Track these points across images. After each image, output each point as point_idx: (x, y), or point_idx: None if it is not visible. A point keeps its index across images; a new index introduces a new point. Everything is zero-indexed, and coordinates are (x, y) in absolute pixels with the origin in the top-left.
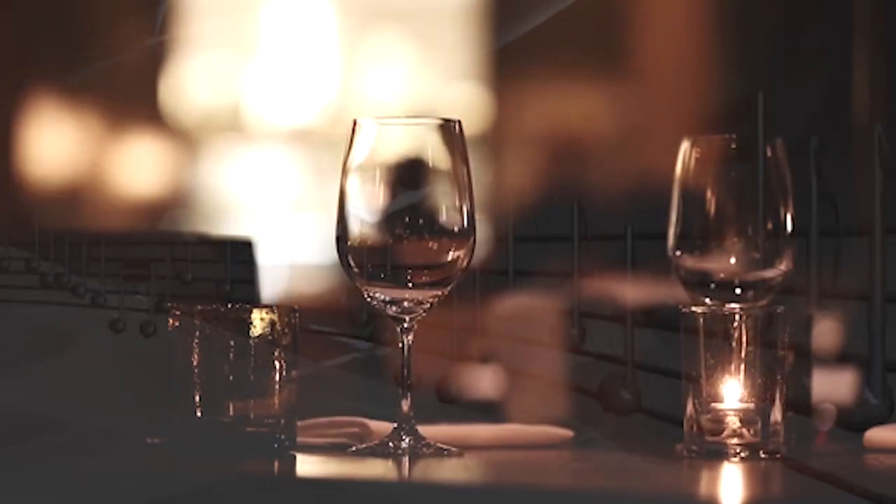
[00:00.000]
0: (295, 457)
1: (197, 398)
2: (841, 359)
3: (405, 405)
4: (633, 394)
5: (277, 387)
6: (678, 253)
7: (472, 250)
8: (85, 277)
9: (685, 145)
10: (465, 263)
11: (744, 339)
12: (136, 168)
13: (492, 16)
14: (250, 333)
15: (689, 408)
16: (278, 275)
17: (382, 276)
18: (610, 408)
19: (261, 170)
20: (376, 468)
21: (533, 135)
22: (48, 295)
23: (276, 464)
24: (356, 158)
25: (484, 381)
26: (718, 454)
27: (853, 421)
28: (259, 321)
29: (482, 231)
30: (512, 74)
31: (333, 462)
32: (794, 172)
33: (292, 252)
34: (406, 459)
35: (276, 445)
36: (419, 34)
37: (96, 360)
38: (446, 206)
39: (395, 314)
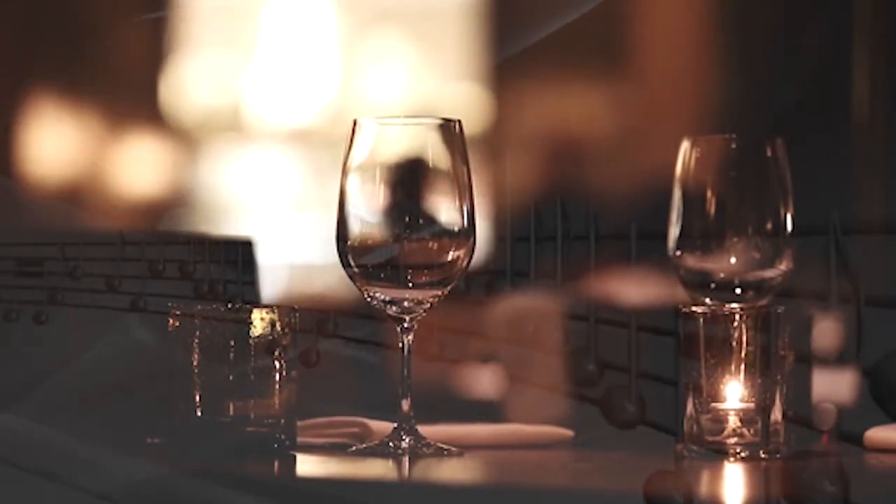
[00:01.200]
0: (295, 457)
1: (197, 398)
2: (841, 359)
3: (405, 405)
4: (638, 405)
5: (277, 387)
6: (678, 253)
7: (472, 250)
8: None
9: (685, 145)
10: (465, 263)
11: (744, 339)
12: (136, 168)
13: (492, 17)
14: (250, 333)
15: (689, 408)
16: (278, 275)
17: (382, 276)
18: (613, 420)
19: (261, 170)
20: (376, 468)
21: (533, 135)
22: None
23: (276, 464)
24: (356, 158)
25: (484, 381)
26: (718, 454)
27: None
28: (259, 321)
29: (482, 231)
30: (512, 74)
31: (333, 462)
32: (794, 172)
33: (292, 252)
34: (406, 459)
35: (276, 445)
36: (419, 34)
37: None
38: (446, 206)
39: (395, 314)
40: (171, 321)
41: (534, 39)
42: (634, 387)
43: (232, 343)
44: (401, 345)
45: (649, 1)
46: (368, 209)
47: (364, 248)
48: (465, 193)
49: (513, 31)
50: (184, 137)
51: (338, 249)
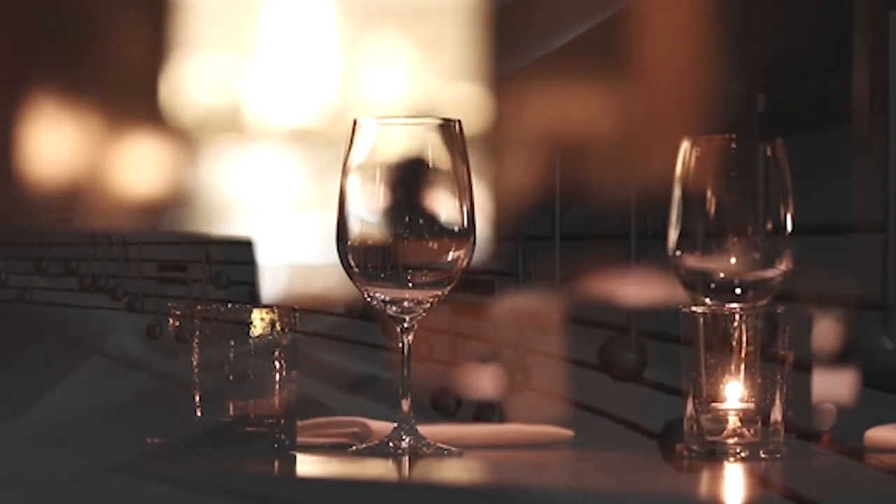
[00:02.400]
0: (295, 457)
1: (197, 398)
2: (841, 359)
3: (405, 405)
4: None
5: (277, 387)
6: (678, 253)
7: (472, 250)
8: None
9: (685, 145)
10: (464, 263)
11: (744, 339)
12: (136, 168)
13: (492, 16)
14: (250, 333)
15: (689, 408)
16: (278, 275)
17: (382, 276)
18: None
19: (261, 170)
20: (376, 468)
21: (533, 135)
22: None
23: (276, 464)
24: (356, 158)
25: (484, 382)
26: (718, 454)
27: (870, 369)
28: (259, 321)
29: (481, 231)
30: (512, 74)
31: (333, 462)
32: (794, 172)
33: (292, 252)
34: (406, 459)
35: (276, 445)
36: (419, 34)
37: None
38: (446, 207)
39: (395, 314)
40: (170, 321)
41: (537, 49)
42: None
43: (232, 343)
44: (400, 345)
45: (650, 1)
46: (368, 209)
47: (364, 247)
48: (465, 193)
49: (515, 36)
50: (184, 137)
51: (338, 249)
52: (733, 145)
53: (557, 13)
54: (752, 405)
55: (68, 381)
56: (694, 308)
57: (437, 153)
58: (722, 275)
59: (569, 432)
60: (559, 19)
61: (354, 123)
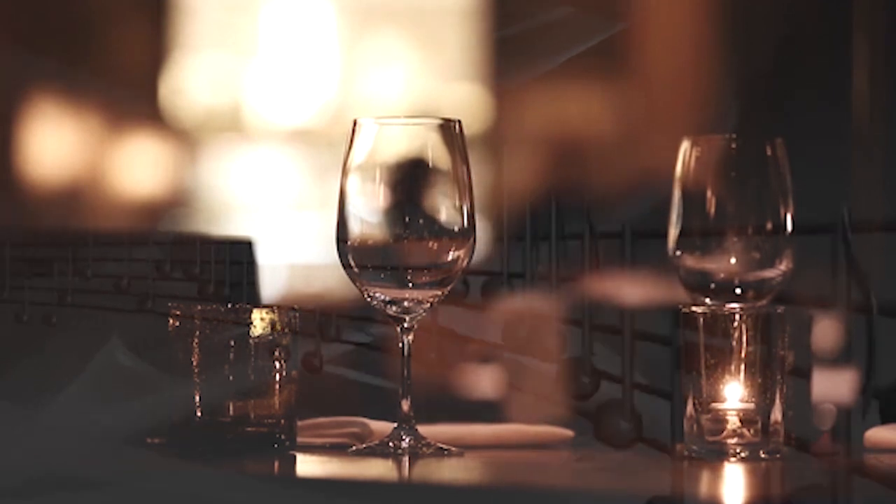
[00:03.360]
0: (295, 457)
1: (197, 398)
2: (841, 360)
3: (405, 405)
4: (634, 422)
5: (277, 387)
6: (678, 253)
7: (472, 250)
8: None
9: (685, 145)
10: (464, 263)
11: (744, 339)
12: (136, 168)
13: (492, 16)
14: (250, 333)
15: (689, 408)
16: (278, 275)
17: (382, 276)
18: (606, 439)
19: (261, 170)
20: (376, 468)
21: (533, 135)
22: None
23: (276, 464)
24: (356, 158)
25: (484, 381)
26: (718, 454)
27: None
28: (259, 321)
29: (482, 231)
30: (512, 74)
31: (333, 462)
32: (794, 172)
33: (292, 252)
34: (406, 459)
35: (276, 445)
36: (419, 34)
37: None
38: (446, 206)
39: (395, 314)
40: (170, 321)
41: (540, 65)
42: (629, 401)
43: (232, 343)
44: (400, 345)
45: (649, 0)
46: (368, 209)
47: (364, 247)
48: (465, 193)
49: (516, 50)
50: (184, 137)
51: (338, 249)
52: (733, 145)
53: (561, 35)
54: (751, 405)
55: (75, 381)
56: (694, 308)
57: (437, 153)
58: (722, 275)
59: (569, 432)
60: (561, 42)
61: (354, 123)
